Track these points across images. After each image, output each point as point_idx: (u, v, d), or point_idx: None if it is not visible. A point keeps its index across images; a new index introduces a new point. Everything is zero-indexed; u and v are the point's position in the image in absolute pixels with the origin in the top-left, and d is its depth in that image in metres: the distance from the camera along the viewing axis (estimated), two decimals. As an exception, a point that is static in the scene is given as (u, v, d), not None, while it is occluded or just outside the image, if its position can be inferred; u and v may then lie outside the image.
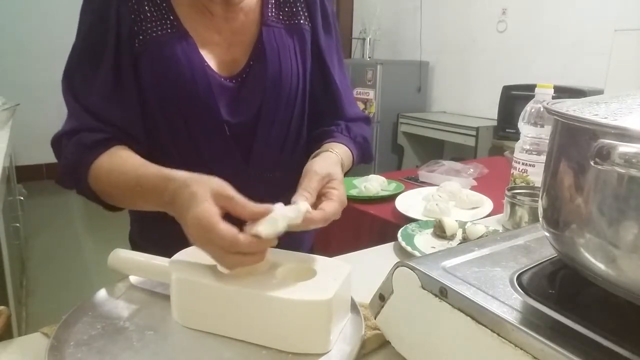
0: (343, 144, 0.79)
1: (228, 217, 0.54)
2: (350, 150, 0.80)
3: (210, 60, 0.75)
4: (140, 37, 0.72)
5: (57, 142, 0.73)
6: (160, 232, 0.78)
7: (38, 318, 2.15)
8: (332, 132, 0.82)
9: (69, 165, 0.70)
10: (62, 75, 0.73)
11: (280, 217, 0.53)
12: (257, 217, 0.53)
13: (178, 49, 0.72)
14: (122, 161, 0.69)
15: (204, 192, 0.54)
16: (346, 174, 0.78)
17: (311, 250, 0.95)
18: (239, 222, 0.54)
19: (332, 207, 0.61)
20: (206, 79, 0.73)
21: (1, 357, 0.54)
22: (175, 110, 0.74)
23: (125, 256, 0.64)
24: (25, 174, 3.67)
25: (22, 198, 2.48)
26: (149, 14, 0.72)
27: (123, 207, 0.74)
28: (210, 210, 0.52)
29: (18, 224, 2.26)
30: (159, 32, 0.72)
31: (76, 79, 0.73)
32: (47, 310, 2.23)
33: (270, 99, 0.78)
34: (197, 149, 0.76)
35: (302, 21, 0.81)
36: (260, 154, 0.79)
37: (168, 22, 0.73)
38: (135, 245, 0.90)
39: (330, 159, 0.71)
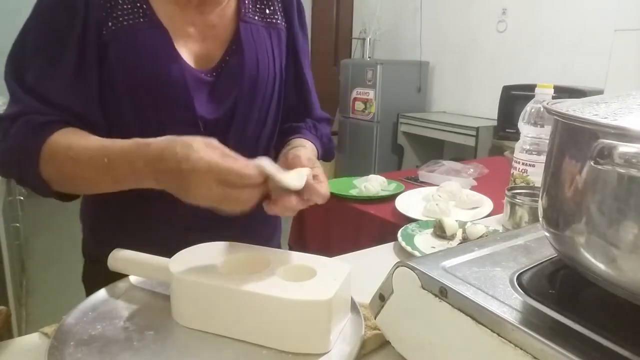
0: (310, 140, 0.81)
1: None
2: (316, 148, 0.82)
3: (184, 52, 0.73)
4: (110, 25, 0.68)
5: None
6: (123, 234, 0.79)
7: (38, 318, 2.15)
8: (301, 128, 0.84)
9: (14, 147, 0.64)
10: (8, 57, 0.68)
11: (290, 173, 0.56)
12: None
13: (151, 39, 0.70)
14: (81, 136, 0.64)
15: (199, 142, 0.54)
16: None
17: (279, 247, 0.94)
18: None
19: (325, 187, 0.60)
20: (181, 72, 0.71)
21: (1, 357, 0.54)
22: (146, 103, 0.71)
23: (125, 256, 0.64)
24: (25, 174, 3.67)
25: (22, 198, 2.49)
26: (120, 1, 0.69)
27: (79, 193, 0.70)
28: (213, 152, 0.53)
29: (18, 224, 2.26)
30: (131, 22, 0.69)
31: (28, 63, 0.68)
32: (47, 310, 2.23)
33: (246, 95, 0.76)
34: None
35: (278, 20, 0.82)
36: (235, 150, 0.73)
37: (141, 11, 0.70)
38: (92, 258, 0.88)
39: (309, 150, 0.74)
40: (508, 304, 0.43)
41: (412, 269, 0.49)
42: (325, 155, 0.88)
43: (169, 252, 0.61)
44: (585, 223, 0.42)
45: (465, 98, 3.81)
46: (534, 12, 3.25)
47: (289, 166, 0.62)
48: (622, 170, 0.36)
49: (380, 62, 3.74)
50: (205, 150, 0.53)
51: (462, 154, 3.47)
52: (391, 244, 0.93)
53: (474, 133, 3.24)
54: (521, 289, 0.47)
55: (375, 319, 0.55)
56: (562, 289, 0.50)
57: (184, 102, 0.72)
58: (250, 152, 0.72)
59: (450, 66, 3.90)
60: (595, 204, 0.40)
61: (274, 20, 0.81)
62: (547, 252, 0.54)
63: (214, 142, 0.55)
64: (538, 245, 0.57)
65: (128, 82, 0.70)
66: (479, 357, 0.43)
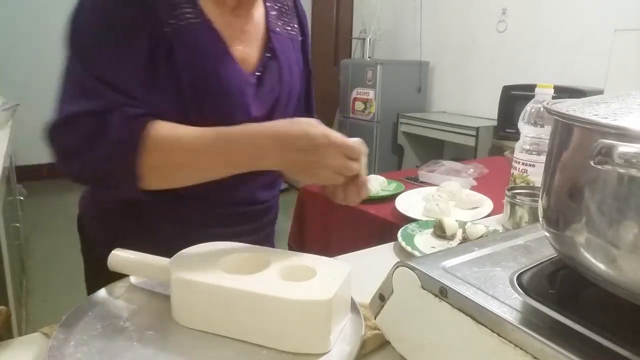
0: None
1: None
2: None
3: (233, 55, 0.76)
4: (172, 22, 0.69)
5: (67, 126, 0.65)
6: (144, 232, 0.79)
7: (38, 318, 2.15)
8: None
9: (111, 144, 0.64)
10: (75, 53, 0.67)
11: None
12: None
13: (209, 40, 0.72)
14: (182, 127, 0.66)
15: (316, 122, 0.66)
16: None
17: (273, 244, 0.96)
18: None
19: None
20: (236, 74, 0.74)
21: (1, 357, 0.54)
22: (206, 100, 0.72)
23: (125, 256, 0.64)
24: (25, 174, 3.67)
25: (22, 198, 2.48)
26: (180, 1, 0.70)
27: (179, 184, 0.70)
28: (335, 134, 0.65)
29: (18, 224, 2.26)
30: (190, 21, 0.70)
31: (97, 55, 0.66)
32: (47, 310, 2.23)
33: (283, 99, 0.82)
34: None
35: (296, 32, 0.88)
36: None
37: (195, 11, 0.71)
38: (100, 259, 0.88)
39: None
40: (508, 304, 0.43)
41: (412, 269, 0.49)
42: None
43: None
44: (585, 223, 0.42)
45: (465, 98, 3.81)
46: (534, 12, 3.25)
47: None
48: (622, 170, 0.36)
49: (380, 62, 3.74)
50: (325, 127, 0.66)
51: (462, 154, 3.47)
52: (391, 244, 0.93)
53: (474, 133, 3.24)
54: (521, 289, 0.46)
55: (375, 319, 0.55)
56: (562, 289, 0.50)
57: (240, 102, 0.75)
58: None
59: (450, 66, 3.90)
60: (595, 204, 0.40)
61: (294, 33, 0.87)
62: (547, 252, 0.54)
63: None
64: (538, 245, 0.57)
65: (194, 82, 0.71)
66: (479, 357, 0.43)
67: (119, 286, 0.65)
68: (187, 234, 0.71)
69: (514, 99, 3.03)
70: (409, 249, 0.87)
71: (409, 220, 1.08)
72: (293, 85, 0.84)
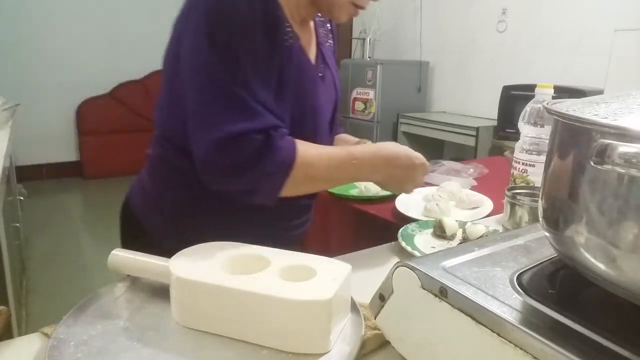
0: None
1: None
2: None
3: None
4: (287, 41, 0.76)
5: (237, 142, 0.70)
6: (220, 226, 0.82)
7: (38, 318, 2.15)
8: (337, 126, 1.03)
9: (275, 160, 0.71)
10: (225, 71, 0.70)
11: None
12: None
13: (304, 56, 0.82)
14: (317, 145, 0.79)
15: (409, 150, 0.87)
16: None
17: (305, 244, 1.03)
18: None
19: None
20: (318, 85, 0.85)
21: (1, 357, 0.54)
22: (306, 115, 0.82)
23: (125, 256, 0.64)
24: (25, 174, 3.67)
25: (22, 198, 2.48)
26: (286, 23, 0.77)
27: (309, 192, 0.85)
28: (421, 156, 0.88)
29: (18, 224, 2.26)
30: (291, 41, 0.78)
31: (250, 75, 0.71)
32: (47, 310, 2.23)
33: (337, 101, 0.94)
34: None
35: (331, 44, 0.98)
36: None
37: (291, 29, 0.78)
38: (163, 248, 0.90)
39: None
40: (508, 304, 0.43)
41: (412, 269, 0.49)
42: None
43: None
44: (585, 223, 0.42)
45: (465, 98, 3.81)
46: (534, 12, 3.25)
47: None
48: (622, 170, 0.36)
49: (380, 62, 3.74)
50: (408, 150, 0.87)
51: (462, 154, 3.47)
52: (391, 244, 0.93)
53: (474, 133, 3.24)
54: (521, 289, 0.46)
55: (375, 319, 0.55)
56: (562, 289, 0.50)
57: (323, 110, 0.87)
58: None
59: (450, 66, 3.90)
60: (595, 204, 0.40)
61: (331, 45, 0.98)
62: (547, 252, 0.54)
63: None
64: (538, 245, 0.57)
65: (297, 94, 0.79)
66: (479, 357, 0.43)
67: (119, 286, 0.65)
68: (248, 225, 0.78)
69: (514, 99, 3.02)
70: (409, 249, 0.87)
71: (409, 220, 1.08)
72: (338, 89, 0.95)
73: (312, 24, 0.91)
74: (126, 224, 0.93)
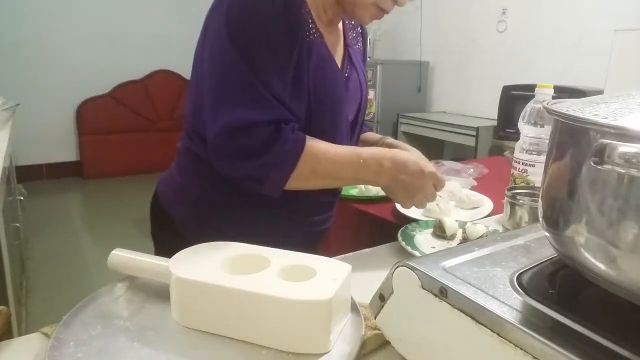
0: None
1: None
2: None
3: None
4: (307, 36, 0.78)
5: (247, 130, 0.73)
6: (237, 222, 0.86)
7: (38, 318, 2.15)
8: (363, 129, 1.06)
9: (283, 150, 0.74)
10: (243, 62, 0.72)
11: None
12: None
13: (327, 54, 0.83)
14: (325, 142, 0.79)
15: (421, 158, 0.86)
16: None
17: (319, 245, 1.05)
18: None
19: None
20: (342, 82, 0.86)
21: (1, 357, 0.54)
22: (326, 110, 0.83)
23: (125, 256, 0.64)
24: (25, 174, 3.67)
25: (22, 198, 2.48)
26: (309, 19, 0.79)
27: (313, 188, 0.84)
28: (432, 166, 0.85)
29: (18, 224, 2.26)
30: (313, 36, 0.80)
31: (266, 68, 0.73)
32: (47, 310, 2.23)
33: (363, 101, 0.95)
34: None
35: (360, 47, 1.00)
36: None
37: (314, 27, 0.80)
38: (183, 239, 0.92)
39: (401, 144, 0.97)
40: (508, 304, 0.43)
41: (412, 269, 0.49)
42: None
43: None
44: (585, 223, 0.42)
45: (465, 98, 3.81)
46: (534, 12, 3.25)
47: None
48: (622, 170, 0.36)
49: (380, 62, 3.74)
50: (419, 159, 0.85)
51: (462, 154, 3.47)
52: (391, 244, 0.93)
53: (474, 133, 3.24)
54: (521, 289, 0.46)
55: (375, 319, 0.54)
56: (562, 289, 0.50)
57: (344, 106, 0.87)
58: None
59: (450, 66, 3.90)
60: (595, 204, 0.40)
61: (360, 48, 1.00)
62: (547, 252, 0.54)
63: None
64: (538, 245, 0.57)
65: (317, 91, 0.80)
66: (479, 357, 0.43)
67: (119, 286, 0.65)
68: (271, 220, 0.86)
69: (514, 99, 3.02)
70: (409, 249, 0.87)
71: (409, 220, 1.08)
72: (365, 91, 0.96)
73: (340, 26, 0.92)
74: (154, 213, 0.96)
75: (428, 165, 0.84)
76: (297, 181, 0.77)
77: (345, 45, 0.93)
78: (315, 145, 0.78)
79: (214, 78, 0.76)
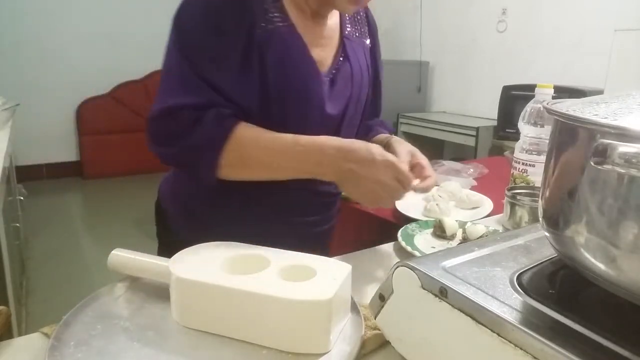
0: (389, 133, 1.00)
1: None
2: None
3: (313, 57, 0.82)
4: (263, 25, 0.76)
5: (173, 114, 0.73)
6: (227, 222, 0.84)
7: (38, 318, 2.15)
8: (374, 125, 1.02)
9: (202, 135, 0.72)
10: (178, 51, 0.74)
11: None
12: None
13: (293, 44, 0.79)
14: (264, 130, 0.75)
15: (376, 147, 0.73)
16: None
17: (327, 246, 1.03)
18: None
19: (432, 172, 0.83)
20: (315, 74, 0.81)
21: (1, 357, 0.54)
22: (290, 101, 0.79)
23: (125, 256, 0.64)
24: (25, 174, 3.67)
25: (22, 198, 2.48)
26: (271, 7, 0.77)
27: (250, 179, 0.79)
28: (392, 156, 0.72)
29: (18, 224, 2.26)
30: (278, 24, 0.77)
31: (200, 55, 0.74)
32: (47, 310, 2.23)
33: (354, 99, 0.89)
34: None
35: (367, 39, 0.96)
36: None
37: (281, 16, 0.78)
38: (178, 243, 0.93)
39: (401, 142, 0.90)
40: (508, 304, 0.43)
41: (412, 269, 0.49)
42: None
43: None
44: (585, 223, 0.42)
45: (465, 98, 3.81)
46: (534, 12, 3.25)
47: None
48: (622, 170, 0.36)
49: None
50: (388, 153, 0.72)
51: (462, 154, 3.47)
52: (391, 244, 0.93)
53: (474, 133, 3.24)
54: (521, 289, 0.46)
55: (375, 319, 0.55)
56: (562, 289, 0.50)
57: (317, 100, 0.82)
58: None
59: (450, 66, 3.90)
60: (595, 204, 0.40)
61: (364, 39, 0.95)
62: (547, 252, 0.54)
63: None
64: (538, 245, 0.57)
65: (277, 81, 0.77)
66: (479, 357, 0.43)
67: (119, 286, 0.65)
68: (263, 220, 0.83)
69: (514, 99, 3.02)
70: (409, 249, 0.87)
71: (409, 220, 1.08)
72: (363, 86, 0.91)
73: (337, 19, 0.89)
74: (156, 214, 0.97)
75: (384, 154, 0.71)
76: (230, 170, 0.74)
77: (342, 38, 0.89)
78: (245, 132, 0.74)
79: (162, 72, 0.77)
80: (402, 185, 0.72)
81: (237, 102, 0.75)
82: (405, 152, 0.83)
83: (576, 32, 3.00)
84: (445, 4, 3.84)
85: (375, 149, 0.72)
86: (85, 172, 4.47)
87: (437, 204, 1.20)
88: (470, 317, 0.44)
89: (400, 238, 0.91)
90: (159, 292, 0.63)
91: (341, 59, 0.87)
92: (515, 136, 1.28)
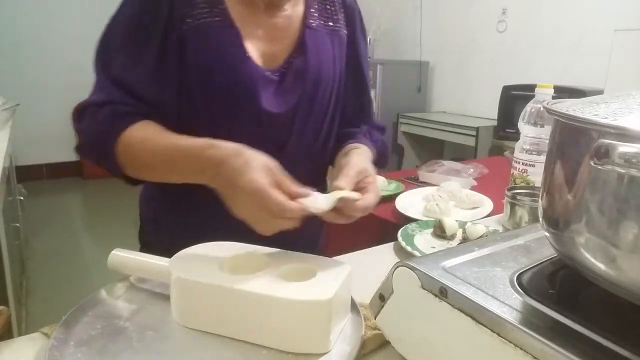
0: (367, 146, 0.85)
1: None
2: (371, 152, 0.84)
3: (252, 52, 0.77)
4: (189, 21, 0.73)
5: (82, 111, 0.75)
6: (181, 225, 0.83)
7: (38, 318, 2.15)
8: (356, 134, 0.89)
9: (95, 132, 0.73)
10: (97, 48, 0.76)
11: (322, 197, 0.60)
12: (299, 197, 0.59)
13: (224, 38, 0.75)
14: (155, 131, 0.72)
15: (258, 163, 0.59)
16: None
17: (321, 250, 0.98)
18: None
19: (371, 198, 0.67)
20: (248, 69, 0.76)
21: (1, 357, 0.54)
22: (216, 97, 0.76)
23: (125, 256, 0.64)
24: (25, 174, 3.67)
25: (22, 198, 2.48)
26: (200, 0, 0.74)
27: (149, 180, 0.78)
28: (264, 178, 0.57)
29: (18, 224, 2.26)
30: (208, 19, 0.74)
31: (114, 53, 0.74)
32: (47, 310, 2.23)
33: (309, 95, 0.82)
34: (234, 136, 0.68)
35: (341, 27, 0.87)
36: (294, 146, 0.82)
37: (217, 10, 0.75)
38: (150, 245, 0.92)
39: (365, 156, 0.79)
40: (508, 304, 0.43)
41: (412, 269, 0.49)
42: (379, 160, 0.89)
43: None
44: (585, 223, 0.42)
45: (465, 98, 3.81)
46: (534, 12, 3.25)
47: (339, 171, 0.70)
48: (622, 170, 0.36)
49: (380, 62, 3.74)
50: (260, 173, 0.58)
51: (462, 154, 3.47)
52: (391, 244, 0.93)
53: (474, 133, 3.23)
54: (521, 289, 0.46)
55: (375, 319, 0.55)
56: (562, 289, 0.50)
57: (250, 97, 0.77)
58: (306, 152, 0.83)
59: (450, 66, 3.89)
60: (595, 204, 0.40)
61: (337, 28, 0.87)
62: (547, 252, 0.54)
63: (273, 166, 0.60)
64: (538, 245, 0.57)
65: (201, 76, 0.75)
66: (479, 357, 0.43)
67: (119, 286, 0.65)
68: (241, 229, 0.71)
69: (514, 99, 3.02)
70: (409, 249, 0.87)
71: (409, 220, 1.08)
72: (323, 82, 0.82)
73: (300, 11, 0.82)
74: (140, 215, 0.97)
75: (253, 178, 0.57)
76: (130, 170, 0.73)
77: (303, 29, 0.82)
78: (137, 132, 0.70)
79: None
80: (272, 216, 0.56)
81: (152, 100, 0.73)
82: (353, 172, 0.69)
83: (576, 32, 2.99)
84: (445, 4, 3.84)
85: (242, 168, 0.58)
86: (85, 172, 4.46)
87: (437, 204, 1.20)
88: (470, 317, 0.44)
89: (400, 238, 0.91)
90: (159, 292, 0.63)
91: (297, 52, 0.81)
92: (515, 136, 1.28)
